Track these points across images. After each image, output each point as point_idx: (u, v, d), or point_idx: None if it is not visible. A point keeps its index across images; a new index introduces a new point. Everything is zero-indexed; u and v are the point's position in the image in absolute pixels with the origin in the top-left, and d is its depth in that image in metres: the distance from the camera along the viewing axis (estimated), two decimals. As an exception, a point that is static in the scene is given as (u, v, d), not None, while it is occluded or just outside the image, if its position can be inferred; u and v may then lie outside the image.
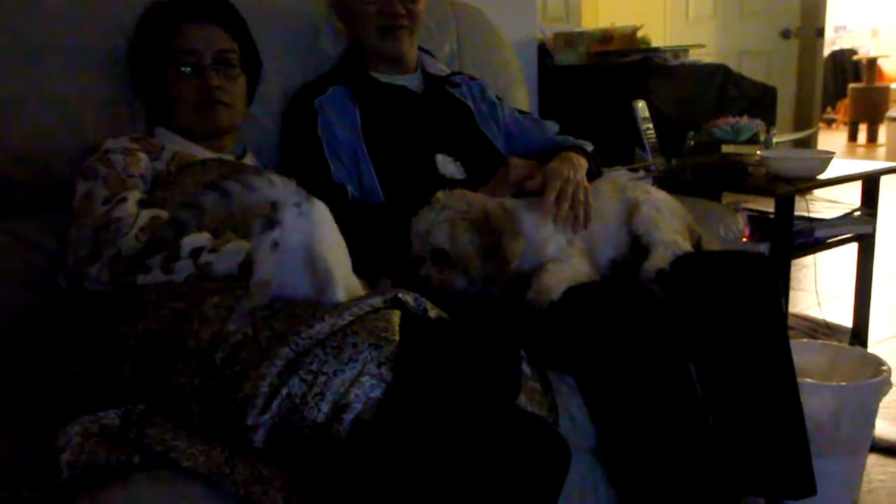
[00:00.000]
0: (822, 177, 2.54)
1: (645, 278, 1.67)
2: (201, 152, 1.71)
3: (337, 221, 1.69)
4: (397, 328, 1.22)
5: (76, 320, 1.43)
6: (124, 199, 1.48)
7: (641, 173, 2.49)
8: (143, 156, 1.62)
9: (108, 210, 1.47)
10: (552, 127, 2.17)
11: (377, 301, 1.28)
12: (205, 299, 1.31)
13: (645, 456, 1.48)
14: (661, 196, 1.83)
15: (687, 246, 1.74)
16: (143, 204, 1.50)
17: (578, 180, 1.75)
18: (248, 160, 1.84)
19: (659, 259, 1.68)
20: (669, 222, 1.76)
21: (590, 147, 2.01)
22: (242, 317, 1.26)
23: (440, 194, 1.62)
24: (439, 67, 2.11)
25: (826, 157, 2.56)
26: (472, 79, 2.17)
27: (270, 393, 1.15)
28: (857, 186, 2.79)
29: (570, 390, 1.54)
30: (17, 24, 1.73)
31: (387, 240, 1.66)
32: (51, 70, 1.74)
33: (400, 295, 1.32)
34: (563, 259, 1.63)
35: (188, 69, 1.70)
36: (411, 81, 2.03)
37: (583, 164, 1.84)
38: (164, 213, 1.49)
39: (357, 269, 1.42)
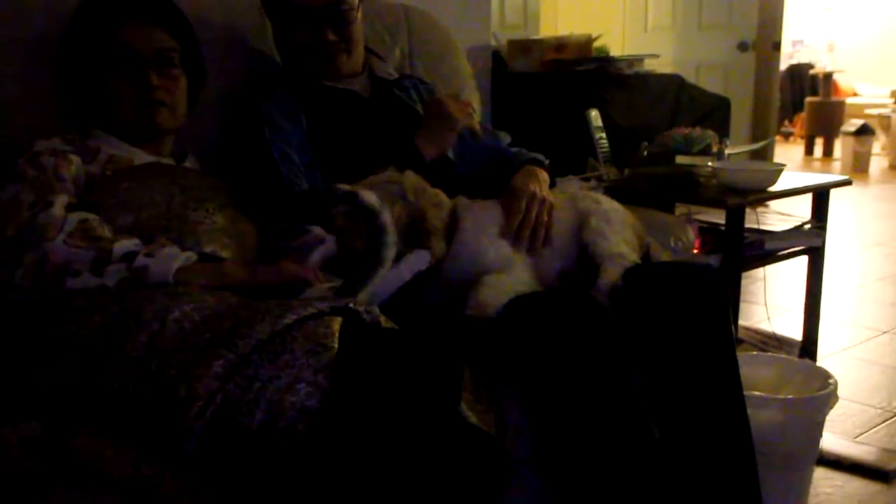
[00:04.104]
0: (773, 189, 2.55)
1: (600, 295, 1.64)
2: (139, 155, 1.66)
3: (286, 219, 1.67)
4: (337, 335, 1.19)
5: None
6: (51, 204, 1.42)
7: (593, 183, 2.49)
8: (74, 158, 1.56)
9: (33, 214, 1.40)
10: (504, 137, 2.14)
11: (323, 306, 1.25)
12: (142, 305, 1.26)
13: (588, 468, 1.46)
14: (611, 206, 1.80)
15: (634, 257, 1.71)
16: (71, 207, 1.44)
17: (544, 197, 1.74)
18: (189, 163, 1.79)
19: (610, 274, 1.65)
20: (618, 233, 1.74)
21: (545, 161, 1.99)
22: None
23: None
24: (388, 71, 2.07)
25: (777, 170, 2.58)
26: (423, 82, 2.14)
27: (208, 397, 1.11)
28: (808, 199, 2.81)
29: (514, 402, 1.51)
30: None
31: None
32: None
33: (352, 305, 1.29)
34: (504, 268, 1.61)
35: (127, 68, 1.64)
36: (358, 84, 1.98)
37: (546, 178, 1.84)
38: (93, 217, 1.43)
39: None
